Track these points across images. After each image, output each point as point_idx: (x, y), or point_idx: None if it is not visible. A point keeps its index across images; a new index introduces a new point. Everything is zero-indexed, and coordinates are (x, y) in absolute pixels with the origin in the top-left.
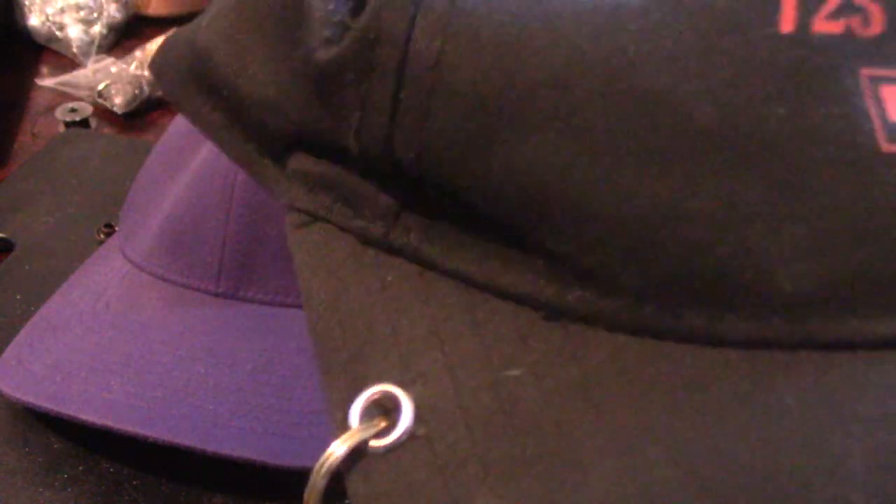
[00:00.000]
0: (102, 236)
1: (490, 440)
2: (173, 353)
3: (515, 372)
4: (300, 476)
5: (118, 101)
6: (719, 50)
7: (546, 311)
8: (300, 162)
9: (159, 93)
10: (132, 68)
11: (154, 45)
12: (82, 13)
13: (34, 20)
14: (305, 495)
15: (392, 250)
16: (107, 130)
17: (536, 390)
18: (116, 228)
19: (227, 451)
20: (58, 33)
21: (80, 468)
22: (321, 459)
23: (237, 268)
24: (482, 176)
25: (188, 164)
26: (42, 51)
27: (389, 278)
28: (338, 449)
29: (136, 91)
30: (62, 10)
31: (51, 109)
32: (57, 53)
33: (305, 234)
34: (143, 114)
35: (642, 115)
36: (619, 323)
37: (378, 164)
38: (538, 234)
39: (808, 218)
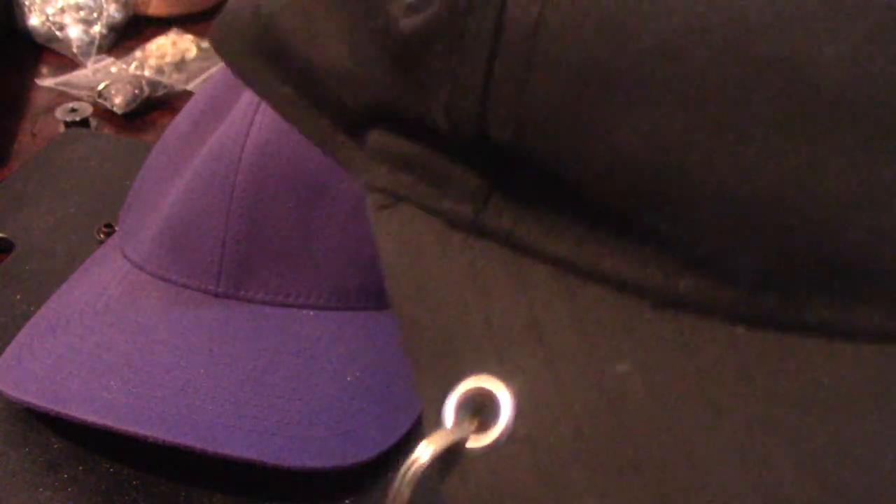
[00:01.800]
0: (102, 236)
1: (596, 441)
2: (173, 353)
3: (622, 366)
4: (300, 476)
5: (118, 101)
6: (849, 7)
7: (653, 299)
8: (380, 139)
9: (159, 93)
10: (132, 68)
11: (154, 45)
12: (82, 13)
13: (34, 20)
14: None
15: (482, 234)
16: (107, 130)
17: (646, 387)
18: (116, 228)
19: (226, 451)
20: (58, 33)
21: (80, 468)
22: (406, 464)
23: (237, 268)
24: (587, 155)
25: (188, 164)
26: (42, 51)
27: (480, 264)
28: (424, 453)
29: (136, 91)
30: (62, 10)
31: (51, 109)
32: (57, 53)
33: (388, 215)
34: (143, 114)
35: (765, 85)
36: (737, 314)
37: (469, 142)
38: (648, 216)
39: None
